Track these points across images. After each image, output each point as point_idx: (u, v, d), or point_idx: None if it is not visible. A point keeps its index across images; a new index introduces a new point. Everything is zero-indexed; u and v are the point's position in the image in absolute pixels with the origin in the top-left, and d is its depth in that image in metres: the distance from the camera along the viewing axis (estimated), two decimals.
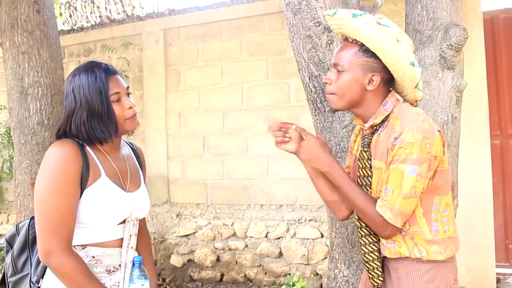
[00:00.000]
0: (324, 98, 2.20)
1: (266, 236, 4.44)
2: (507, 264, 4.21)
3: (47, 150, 1.44)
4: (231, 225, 4.56)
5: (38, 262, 1.52)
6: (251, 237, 4.49)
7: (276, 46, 4.45)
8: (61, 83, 3.63)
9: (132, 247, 1.54)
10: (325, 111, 2.23)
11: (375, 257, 1.52)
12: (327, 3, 2.09)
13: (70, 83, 1.47)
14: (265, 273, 4.40)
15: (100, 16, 4.97)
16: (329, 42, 2.14)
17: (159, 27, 4.79)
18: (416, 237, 1.47)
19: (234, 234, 4.54)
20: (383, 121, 1.52)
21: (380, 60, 1.46)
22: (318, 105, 2.24)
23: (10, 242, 1.64)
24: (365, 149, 1.54)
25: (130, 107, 1.50)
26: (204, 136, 4.66)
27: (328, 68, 2.15)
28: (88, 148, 1.47)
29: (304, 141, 1.55)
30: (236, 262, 4.50)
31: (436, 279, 1.47)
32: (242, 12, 4.55)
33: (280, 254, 4.37)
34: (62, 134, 1.48)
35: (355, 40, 1.48)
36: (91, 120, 1.44)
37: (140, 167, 1.70)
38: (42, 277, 1.47)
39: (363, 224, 1.54)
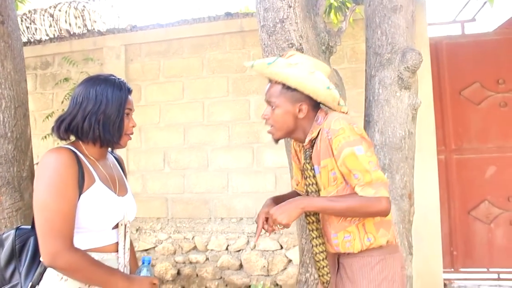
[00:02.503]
0: None
1: (227, 248, 4.52)
2: (452, 269, 4.52)
3: (43, 156, 1.48)
4: (192, 239, 4.61)
5: (28, 270, 1.55)
6: (211, 250, 4.55)
7: (237, 64, 4.60)
8: (25, 96, 3.59)
9: (128, 248, 1.61)
10: None
11: (324, 256, 1.74)
12: (300, 26, 2.27)
13: (93, 85, 1.55)
14: (226, 285, 4.47)
15: (60, 30, 4.92)
16: None
17: (120, 42, 4.83)
18: (366, 222, 1.68)
19: (195, 248, 4.59)
20: (318, 134, 1.72)
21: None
22: None
23: None
24: (307, 161, 1.77)
25: (133, 126, 1.64)
26: (165, 151, 4.71)
27: None
28: (80, 155, 1.54)
29: (272, 215, 1.66)
30: (197, 275, 4.55)
31: (385, 269, 1.69)
32: (203, 30, 4.68)
33: (241, 266, 4.46)
34: (74, 128, 1.54)
35: (277, 81, 1.71)
36: (104, 124, 1.53)
37: (124, 175, 1.79)
38: (38, 284, 1.50)
39: (313, 227, 1.77)
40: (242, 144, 4.55)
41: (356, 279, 1.69)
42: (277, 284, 4.36)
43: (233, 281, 4.43)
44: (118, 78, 1.63)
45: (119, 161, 1.83)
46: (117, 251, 1.58)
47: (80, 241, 1.47)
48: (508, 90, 4.55)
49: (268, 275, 4.38)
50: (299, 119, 1.73)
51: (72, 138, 1.60)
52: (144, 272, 1.56)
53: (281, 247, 4.38)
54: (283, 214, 1.61)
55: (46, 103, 5.00)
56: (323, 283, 1.74)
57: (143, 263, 1.59)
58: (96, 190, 1.51)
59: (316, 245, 1.75)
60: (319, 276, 1.75)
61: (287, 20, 2.24)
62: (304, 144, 1.77)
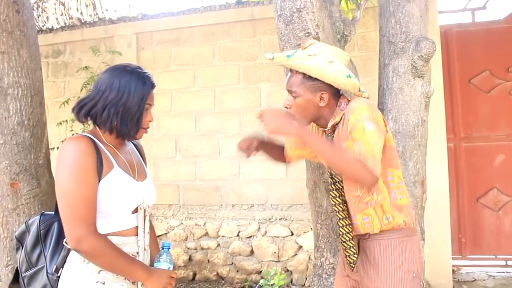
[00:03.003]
0: None
1: (238, 235, 4.59)
2: (460, 256, 4.58)
3: (63, 144, 1.53)
4: (203, 225, 4.68)
5: (53, 254, 1.61)
6: (223, 236, 4.63)
7: (247, 52, 4.63)
8: (40, 84, 3.64)
9: (147, 232, 1.66)
10: None
11: (351, 236, 1.78)
12: (316, 15, 2.29)
13: (118, 76, 1.57)
14: (237, 271, 4.55)
15: (71, 18, 4.95)
16: None
17: (131, 30, 4.86)
18: (384, 204, 1.73)
19: (206, 234, 4.67)
20: (341, 119, 1.77)
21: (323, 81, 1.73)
22: None
23: (20, 240, 1.72)
24: None
25: (150, 121, 1.66)
26: (177, 139, 4.77)
27: None
28: (99, 142, 1.57)
29: (265, 113, 1.72)
30: (208, 261, 4.63)
31: (405, 251, 1.75)
32: (215, 19, 4.70)
33: (252, 252, 4.53)
34: (93, 114, 1.57)
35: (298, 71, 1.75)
36: (123, 115, 1.56)
37: (143, 161, 1.83)
38: (62, 267, 1.56)
39: (340, 208, 1.81)
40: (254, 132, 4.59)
41: (377, 262, 1.75)
42: (287, 270, 4.43)
43: (244, 266, 4.51)
44: (144, 72, 1.64)
45: (138, 147, 1.87)
46: (136, 234, 1.62)
47: (101, 226, 1.51)
48: None
49: (279, 261, 4.45)
50: (321, 108, 1.76)
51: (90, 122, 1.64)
52: (164, 257, 1.60)
53: (292, 234, 4.45)
54: (274, 123, 1.67)
55: (58, 91, 5.05)
56: (350, 263, 1.78)
57: (162, 248, 1.62)
58: (114, 175, 1.55)
59: (343, 225, 1.79)
60: (346, 256, 1.79)
61: (304, 10, 2.26)
62: (327, 129, 1.80)
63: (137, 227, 1.62)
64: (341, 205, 1.81)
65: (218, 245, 4.62)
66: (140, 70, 1.63)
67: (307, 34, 2.30)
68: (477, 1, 4.72)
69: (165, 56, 4.81)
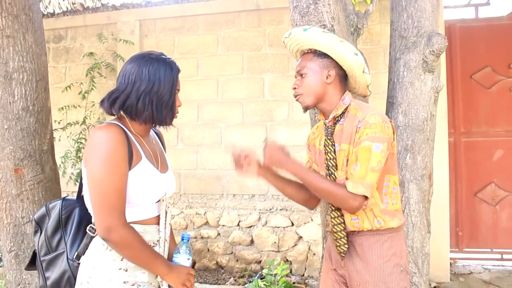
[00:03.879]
0: None
1: (238, 224, 4.61)
2: (457, 249, 4.65)
3: (94, 132, 1.51)
4: (204, 214, 4.69)
5: (74, 240, 1.61)
6: (223, 225, 4.65)
7: (252, 42, 4.62)
8: (45, 69, 3.60)
9: (169, 223, 1.67)
10: None
11: (342, 228, 1.80)
12: (332, 8, 2.30)
13: (145, 64, 1.56)
14: (237, 260, 4.58)
15: (73, 3, 4.90)
16: None
17: (134, 17, 4.82)
18: (374, 208, 1.77)
19: (207, 223, 4.68)
20: (343, 113, 1.83)
21: (332, 59, 1.81)
22: None
23: (39, 223, 1.72)
24: (328, 137, 1.84)
25: (179, 106, 1.67)
26: (179, 127, 4.76)
27: None
28: (128, 132, 1.57)
29: (265, 147, 1.83)
30: (208, 250, 4.65)
31: (393, 245, 1.79)
32: (219, 8, 4.68)
33: (252, 242, 4.56)
34: (128, 107, 1.55)
35: (309, 49, 1.85)
36: (157, 104, 1.56)
37: (163, 149, 1.84)
38: (83, 254, 1.57)
39: None
40: (256, 122, 4.60)
41: (366, 256, 1.78)
42: (287, 260, 4.47)
43: (244, 256, 4.54)
44: (169, 57, 1.64)
45: (159, 136, 1.87)
46: (157, 224, 1.62)
47: (126, 214, 1.51)
48: None
49: (279, 251, 4.49)
50: (327, 85, 1.82)
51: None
52: (183, 249, 1.60)
53: (292, 224, 4.48)
54: (272, 158, 1.78)
55: (59, 77, 5.01)
56: (340, 253, 1.81)
57: (182, 239, 1.62)
58: (142, 167, 1.55)
59: (334, 217, 1.82)
60: (336, 246, 1.81)
61: (321, 2, 2.26)
62: (327, 121, 1.85)
63: (158, 216, 1.63)
64: None
65: (218, 234, 4.64)
66: (165, 57, 1.62)
67: (322, 26, 2.31)
68: None
69: (169, 44, 4.79)
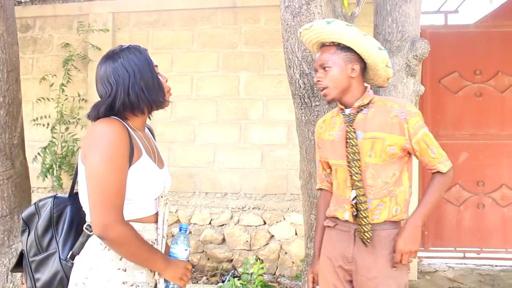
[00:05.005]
0: (312, 94, 2.44)
1: (210, 223, 4.58)
2: (423, 248, 4.80)
3: (94, 126, 1.47)
4: (175, 212, 4.63)
5: (66, 239, 1.56)
6: (195, 224, 4.60)
7: (228, 39, 4.60)
8: (17, 60, 3.47)
9: (167, 220, 1.64)
10: (311, 106, 2.46)
11: (367, 221, 1.80)
12: (323, 9, 2.32)
13: (116, 60, 1.52)
14: (208, 259, 4.55)
15: None
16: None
17: (108, 9, 4.69)
18: (399, 197, 1.85)
19: (178, 221, 4.62)
20: (369, 102, 1.88)
21: (355, 52, 1.84)
22: (306, 100, 2.46)
23: (27, 222, 1.64)
24: (349, 124, 1.87)
25: (166, 81, 1.62)
26: (151, 124, 4.66)
27: None
28: (128, 127, 1.52)
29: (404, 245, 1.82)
30: None
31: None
32: (195, 3, 4.63)
33: (223, 240, 4.54)
34: (120, 106, 1.51)
35: (331, 42, 1.86)
36: (147, 88, 1.52)
37: None
38: (78, 253, 1.51)
39: (361, 192, 1.81)
40: (230, 120, 4.58)
41: (375, 250, 1.82)
42: (258, 259, 4.47)
43: (216, 254, 4.52)
44: (129, 45, 1.60)
45: (151, 131, 1.84)
46: (155, 221, 1.59)
47: (124, 212, 1.46)
48: (484, 81, 4.80)
49: (251, 250, 4.49)
50: (351, 79, 1.85)
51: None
52: (181, 240, 1.57)
53: (264, 223, 4.49)
54: (413, 243, 1.79)
55: (26, 68, 4.79)
56: (366, 239, 1.81)
57: (180, 230, 1.59)
58: (143, 163, 1.51)
59: (362, 210, 1.81)
60: (362, 232, 1.80)
61: (313, 3, 2.28)
62: (350, 109, 1.88)
63: (156, 214, 1.59)
64: (360, 182, 1.83)
65: (190, 232, 4.59)
66: (127, 45, 1.59)
67: None
68: (450, 4, 4.90)
69: (143, 38, 4.68)
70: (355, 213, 1.83)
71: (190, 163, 4.65)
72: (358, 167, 1.82)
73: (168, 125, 4.66)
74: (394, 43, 2.68)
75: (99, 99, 1.56)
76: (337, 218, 1.92)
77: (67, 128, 4.61)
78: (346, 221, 1.88)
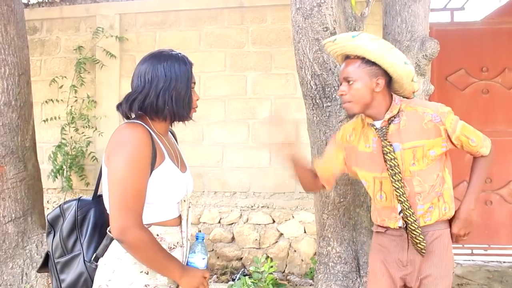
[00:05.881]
0: (324, 95, 2.46)
1: (219, 222, 4.61)
2: None
3: (119, 130, 1.50)
4: None
5: (90, 242, 1.59)
6: (204, 222, 4.63)
7: (235, 39, 4.62)
8: (27, 63, 3.49)
9: (190, 223, 1.66)
10: (323, 106, 2.48)
11: (417, 225, 1.82)
12: (334, 11, 2.34)
13: (159, 62, 1.55)
14: (218, 257, 4.58)
15: None
16: None
17: (114, 11, 4.71)
18: (445, 194, 1.89)
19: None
20: (398, 112, 1.87)
21: (380, 67, 1.81)
22: (317, 101, 2.48)
23: (52, 224, 1.68)
24: (384, 138, 1.86)
25: (197, 99, 1.68)
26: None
27: (330, 69, 2.41)
28: (151, 132, 1.55)
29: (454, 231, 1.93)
30: None
31: (449, 240, 1.91)
32: (202, 4, 4.65)
33: (233, 239, 4.57)
34: (148, 106, 1.54)
35: (356, 55, 1.82)
36: (177, 99, 1.56)
37: None
38: (102, 256, 1.54)
39: (404, 199, 1.82)
40: (238, 120, 4.61)
41: (431, 249, 1.84)
42: (267, 257, 4.49)
43: (225, 253, 4.55)
44: (180, 53, 1.64)
45: (174, 135, 1.86)
46: (178, 224, 1.61)
47: (146, 215, 1.49)
48: (491, 78, 4.80)
49: (260, 248, 4.52)
50: (376, 94, 1.83)
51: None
52: (198, 249, 1.58)
53: (273, 221, 4.52)
54: (467, 227, 1.91)
55: (34, 70, 4.78)
56: (421, 249, 1.82)
57: (197, 239, 1.60)
58: (166, 167, 1.54)
59: (409, 215, 1.82)
60: (416, 244, 1.82)
61: (324, 4, 2.30)
62: (380, 121, 1.86)
63: (179, 217, 1.62)
64: (407, 202, 1.83)
65: (199, 231, 4.61)
66: (176, 52, 1.62)
67: (325, 29, 2.35)
68: (456, 1, 4.90)
69: (150, 39, 4.71)
70: (404, 226, 1.85)
71: (199, 163, 4.67)
72: (400, 180, 1.81)
73: (177, 125, 4.64)
74: (403, 43, 2.70)
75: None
76: (388, 227, 1.93)
77: (76, 129, 4.64)
78: (399, 227, 1.89)
